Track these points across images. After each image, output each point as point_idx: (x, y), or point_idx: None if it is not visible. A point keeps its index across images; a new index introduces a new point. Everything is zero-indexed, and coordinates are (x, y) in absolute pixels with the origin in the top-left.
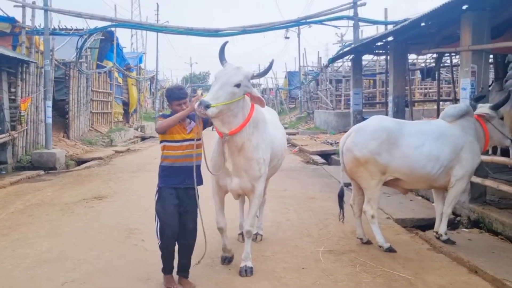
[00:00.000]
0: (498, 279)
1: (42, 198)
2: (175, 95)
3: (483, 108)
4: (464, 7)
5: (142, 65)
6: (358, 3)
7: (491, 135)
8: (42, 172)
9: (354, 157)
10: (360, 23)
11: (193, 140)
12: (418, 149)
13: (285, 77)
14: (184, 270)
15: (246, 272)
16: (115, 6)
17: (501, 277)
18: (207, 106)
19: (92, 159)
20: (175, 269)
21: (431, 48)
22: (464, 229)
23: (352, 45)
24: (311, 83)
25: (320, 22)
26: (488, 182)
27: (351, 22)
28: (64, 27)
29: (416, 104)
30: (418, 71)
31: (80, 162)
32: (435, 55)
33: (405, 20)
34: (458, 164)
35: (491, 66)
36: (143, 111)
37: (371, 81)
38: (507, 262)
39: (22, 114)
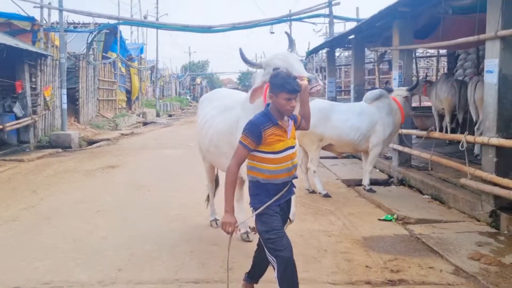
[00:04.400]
0: (390, 209)
1: (67, 167)
2: (289, 85)
3: (401, 91)
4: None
5: (143, 55)
6: (333, 2)
7: (405, 110)
8: (60, 150)
9: None
10: (335, 20)
11: (293, 147)
12: (344, 122)
13: None
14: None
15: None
16: (119, 2)
17: (392, 208)
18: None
19: (102, 140)
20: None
21: (376, 46)
22: (393, 186)
23: (325, 41)
24: None
25: (300, 19)
26: (407, 150)
27: (328, 19)
28: (72, 22)
29: None
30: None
31: (91, 142)
32: None
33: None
34: (374, 134)
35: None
36: (144, 99)
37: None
38: (404, 202)
39: (47, 100)
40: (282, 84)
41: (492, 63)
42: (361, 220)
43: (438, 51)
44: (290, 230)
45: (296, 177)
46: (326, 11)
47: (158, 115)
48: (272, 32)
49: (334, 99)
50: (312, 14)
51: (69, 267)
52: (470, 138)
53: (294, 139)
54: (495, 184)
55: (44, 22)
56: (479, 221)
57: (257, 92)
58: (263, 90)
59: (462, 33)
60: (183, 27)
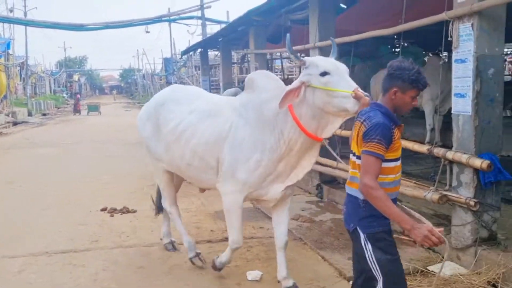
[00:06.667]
0: None
1: None
2: (423, 81)
3: None
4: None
5: (10, 51)
6: (205, 6)
7: None
8: None
9: None
10: (209, 22)
11: None
12: None
13: (162, 63)
14: None
15: None
16: None
17: None
18: None
19: None
20: None
21: (238, 49)
22: None
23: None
24: (181, 69)
25: (173, 20)
26: None
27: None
28: None
29: None
30: None
31: None
32: None
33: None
34: None
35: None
36: (13, 97)
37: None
38: None
39: None
40: (416, 79)
41: None
42: (218, 199)
43: (300, 53)
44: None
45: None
46: (199, 13)
47: (30, 114)
48: (147, 32)
49: None
50: (186, 15)
51: None
52: None
53: None
54: (319, 163)
55: None
56: (310, 194)
57: (290, 94)
58: (300, 93)
59: (306, 40)
60: (54, 24)
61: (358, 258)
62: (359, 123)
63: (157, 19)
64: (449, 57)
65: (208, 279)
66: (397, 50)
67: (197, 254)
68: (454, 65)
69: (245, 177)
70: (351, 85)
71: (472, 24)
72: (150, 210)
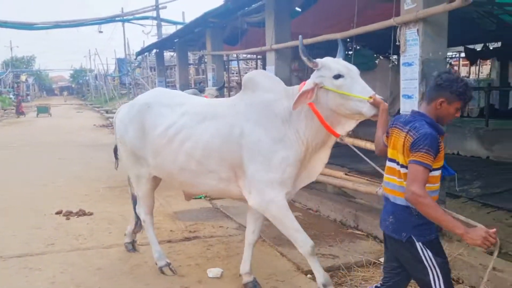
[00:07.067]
0: None
1: None
2: (470, 93)
3: (211, 90)
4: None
5: None
6: (160, 6)
7: None
8: None
9: None
10: (165, 23)
11: None
12: None
13: (115, 64)
14: None
15: None
16: None
17: None
18: None
19: None
20: None
21: (195, 50)
22: None
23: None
24: (135, 70)
25: (128, 21)
26: None
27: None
28: None
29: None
30: None
31: None
32: None
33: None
34: None
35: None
36: None
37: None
38: None
39: None
40: (464, 91)
41: (270, 68)
42: (176, 199)
43: (256, 55)
44: (111, 212)
45: None
46: (154, 13)
47: None
48: (100, 31)
49: None
50: (140, 16)
51: None
52: None
53: None
54: None
55: None
56: None
57: (303, 96)
58: (313, 95)
59: (262, 42)
60: (1, 23)
61: (410, 266)
62: (404, 133)
63: (110, 19)
64: (399, 60)
65: (169, 278)
66: (350, 52)
67: (168, 264)
68: (402, 68)
69: (278, 176)
70: (368, 91)
71: (417, 30)
72: (107, 213)
